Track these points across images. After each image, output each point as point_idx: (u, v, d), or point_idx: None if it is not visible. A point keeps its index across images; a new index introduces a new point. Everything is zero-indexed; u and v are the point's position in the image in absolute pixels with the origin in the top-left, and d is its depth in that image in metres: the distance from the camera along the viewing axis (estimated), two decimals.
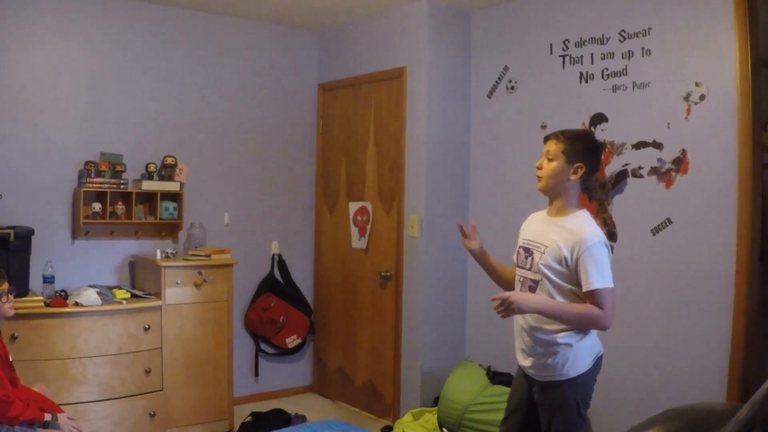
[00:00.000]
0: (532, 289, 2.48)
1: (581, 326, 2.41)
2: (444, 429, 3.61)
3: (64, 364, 3.48)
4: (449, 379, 3.73)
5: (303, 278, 4.90)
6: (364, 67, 4.51)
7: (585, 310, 2.36)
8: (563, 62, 3.71)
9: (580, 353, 2.43)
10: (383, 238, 4.37)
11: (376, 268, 4.40)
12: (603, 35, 3.51)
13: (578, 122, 3.61)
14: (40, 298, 3.52)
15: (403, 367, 4.19)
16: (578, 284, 2.39)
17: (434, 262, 4.11)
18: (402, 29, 4.22)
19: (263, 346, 4.71)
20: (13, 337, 3.31)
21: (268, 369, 4.75)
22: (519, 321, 2.57)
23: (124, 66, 4.13)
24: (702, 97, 3.10)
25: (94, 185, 3.88)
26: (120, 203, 3.94)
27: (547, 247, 2.46)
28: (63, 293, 3.65)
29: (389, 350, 4.30)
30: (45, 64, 3.88)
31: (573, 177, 2.47)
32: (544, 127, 3.80)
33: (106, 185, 3.90)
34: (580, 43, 3.62)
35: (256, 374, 4.69)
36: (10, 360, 2.84)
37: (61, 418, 2.81)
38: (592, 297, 2.34)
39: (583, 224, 2.44)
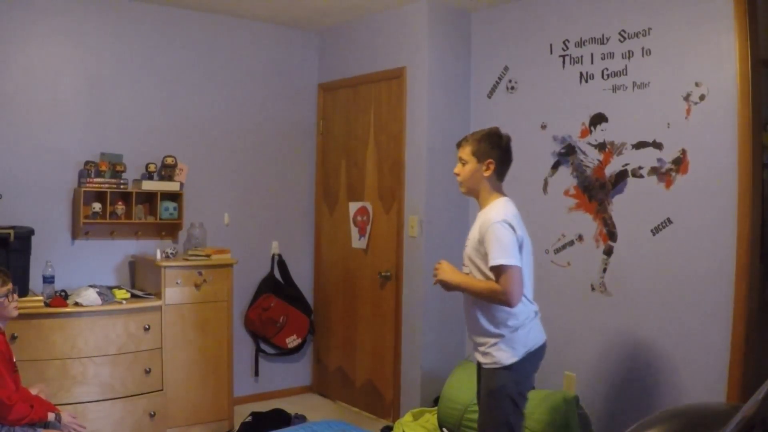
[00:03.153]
0: None
1: (487, 300, 2.57)
2: (444, 429, 3.61)
3: (64, 364, 3.48)
4: (449, 379, 3.73)
5: (303, 278, 4.90)
6: (364, 67, 4.51)
7: (485, 285, 2.56)
8: (563, 62, 3.71)
9: (511, 343, 2.58)
10: (383, 238, 4.37)
11: (376, 268, 4.40)
12: (603, 35, 3.51)
13: (578, 122, 3.61)
14: (40, 298, 3.52)
15: (403, 367, 4.19)
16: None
17: (434, 262, 4.04)
18: (402, 29, 4.22)
19: (263, 346, 4.71)
20: (13, 337, 3.30)
21: (268, 369, 4.75)
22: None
23: (124, 66, 4.13)
24: (702, 97, 3.10)
25: (94, 185, 3.88)
26: (120, 203, 3.94)
27: (469, 239, 2.71)
28: (63, 293, 3.64)
29: (389, 350, 4.30)
30: (45, 64, 3.88)
31: (487, 173, 2.69)
32: (544, 127, 3.80)
33: (106, 185, 3.90)
34: (580, 43, 3.62)
35: (256, 374, 4.69)
36: (15, 361, 2.85)
37: (65, 417, 2.82)
38: (495, 273, 2.53)
39: (491, 209, 2.64)
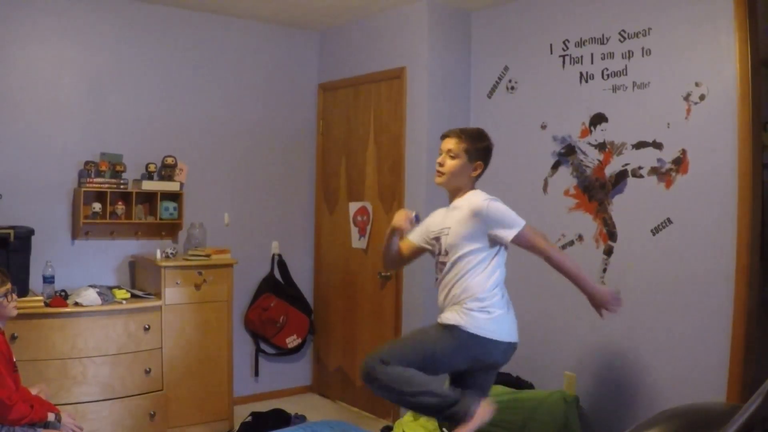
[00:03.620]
0: (441, 269, 2.75)
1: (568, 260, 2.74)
2: (444, 429, 3.60)
3: (64, 364, 3.48)
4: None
5: (303, 278, 4.90)
6: (364, 67, 4.51)
7: (561, 263, 2.69)
8: (563, 62, 3.71)
9: (478, 319, 2.63)
10: (383, 238, 4.36)
11: (376, 268, 4.39)
12: (603, 35, 3.51)
13: (578, 122, 3.61)
14: (40, 298, 3.52)
15: None
16: (485, 245, 2.66)
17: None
18: (402, 29, 4.22)
19: (263, 346, 4.71)
20: (13, 337, 3.30)
21: (268, 369, 4.75)
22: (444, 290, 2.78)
23: (124, 66, 4.13)
24: (702, 97, 3.10)
25: (94, 185, 3.88)
26: (120, 203, 3.94)
27: (449, 227, 2.72)
28: (63, 293, 3.64)
29: None
30: (45, 64, 3.88)
31: (474, 174, 2.76)
32: (544, 127, 3.80)
33: (106, 185, 3.90)
34: (580, 43, 3.62)
35: (256, 374, 4.69)
36: (14, 360, 2.85)
37: (65, 418, 2.82)
38: (519, 239, 2.65)
39: (471, 196, 2.72)
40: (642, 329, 3.32)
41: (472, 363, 2.70)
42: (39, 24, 3.85)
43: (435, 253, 2.83)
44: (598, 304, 2.73)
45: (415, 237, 2.93)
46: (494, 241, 2.67)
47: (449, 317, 2.66)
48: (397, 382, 2.54)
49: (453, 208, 2.78)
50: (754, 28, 2.93)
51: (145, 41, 4.20)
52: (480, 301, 2.64)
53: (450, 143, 2.76)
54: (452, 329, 2.63)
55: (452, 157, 2.74)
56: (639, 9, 3.35)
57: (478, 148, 2.75)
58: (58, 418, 2.79)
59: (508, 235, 2.63)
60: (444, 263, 2.75)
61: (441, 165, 2.77)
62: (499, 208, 2.66)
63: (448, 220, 2.77)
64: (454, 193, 2.80)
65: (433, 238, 2.83)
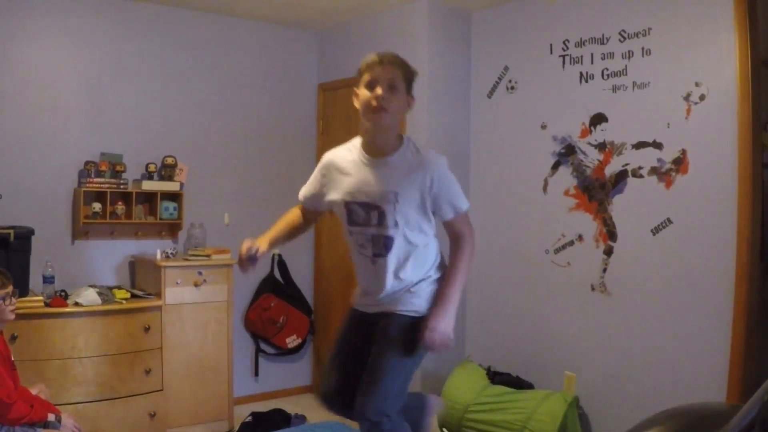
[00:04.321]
0: (388, 245, 2.19)
1: (468, 264, 2.24)
2: (444, 429, 3.61)
3: (64, 364, 3.48)
4: (449, 379, 3.73)
5: (303, 278, 4.90)
6: None
7: (459, 266, 2.19)
8: (563, 62, 3.71)
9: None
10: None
11: None
12: (603, 35, 3.51)
13: (578, 122, 3.61)
14: (40, 298, 3.52)
15: None
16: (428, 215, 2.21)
17: None
18: (402, 29, 4.22)
19: (263, 346, 4.71)
20: (13, 337, 3.30)
21: (268, 369, 4.75)
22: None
23: (124, 66, 4.13)
24: (702, 97, 3.10)
25: (94, 185, 3.88)
26: (120, 203, 3.94)
27: (396, 193, 2.14)
28: (63, 293, 3.64)
29: None
30: (45, 64, 3.88)
31: (408, 110, 2.24)
32: (544, 127, 3.80)
33: (106, 185, 3.90)
34: (580, 43, 3.62)
35: (256, 374, 4.69)
36: (12, 360, 2.85)
37: (65, 418, 2.82)
38: (457, 223, 2.20)
39: (422, 150, 2.20)
40: (642, 329, 3.32)
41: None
42: (38, 24, 3.85)
43: (360, 223, 2.22)
44: (430, 325, 2.18)
45: (318, 201, 2.37)
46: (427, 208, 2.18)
47: (421, 305, 2.24)
48: None
49: (386, 163, 2.18)
50: (754, 28, 2.93)
51: (144, 41, 4.20)
52: (442, 266, 2.31)
53: (389, 71, 2.14)
54: (421, 319, 2.23)
55: (392, 89, 2.13)
56: (639, 9, 3.35)
57: (412, 78, 2.21)
58: (59, 419, 2.79)
59: (451, 211, 2.18)
60: (389, 238, 2.18)
61: (380, 99, 2.11)
62: (453, 178, 2.20)
63: (386, 181, 2.16)
64: (385, 136, 2.18)
65: (356, 203, 2.21)
